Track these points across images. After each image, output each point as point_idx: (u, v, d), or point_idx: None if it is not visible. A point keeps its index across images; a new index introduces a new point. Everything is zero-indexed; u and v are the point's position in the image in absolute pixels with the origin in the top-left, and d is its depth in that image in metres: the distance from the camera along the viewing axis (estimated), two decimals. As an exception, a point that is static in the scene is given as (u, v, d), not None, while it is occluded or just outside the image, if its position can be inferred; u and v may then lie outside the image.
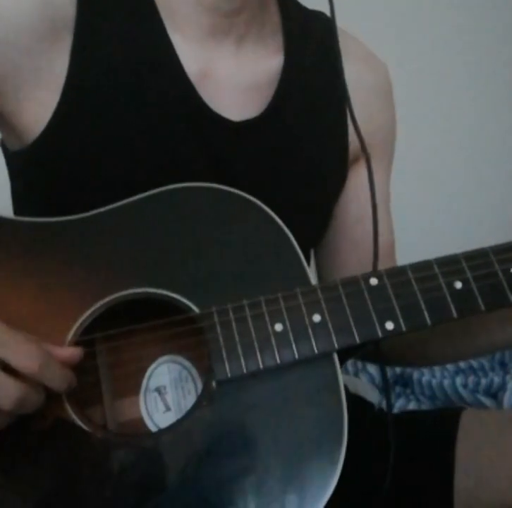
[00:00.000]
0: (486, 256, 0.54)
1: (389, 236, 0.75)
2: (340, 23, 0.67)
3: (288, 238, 0.56)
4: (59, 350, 0.50)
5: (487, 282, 0.53)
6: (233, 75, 0.64)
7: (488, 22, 1.46)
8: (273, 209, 0.57)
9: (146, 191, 0.57)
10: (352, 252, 0.72)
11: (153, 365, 0.58)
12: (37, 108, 0.58)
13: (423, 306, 0.53)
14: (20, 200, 0.68)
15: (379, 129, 0.73)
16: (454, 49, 1.44)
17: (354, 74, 0.69)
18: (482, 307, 0.53)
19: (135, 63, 0.60)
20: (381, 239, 0.67)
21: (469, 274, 0.54)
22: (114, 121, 0.59)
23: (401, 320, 0.52)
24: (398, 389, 1.27)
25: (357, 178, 0.71)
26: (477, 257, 0.54)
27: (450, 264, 0.54)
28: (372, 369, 1.28)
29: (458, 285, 0.53)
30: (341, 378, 0.52)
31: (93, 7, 0.59)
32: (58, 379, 0.48)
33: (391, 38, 1.29)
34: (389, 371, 1.29)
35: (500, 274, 0.54)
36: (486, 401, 1.18)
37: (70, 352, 0.50)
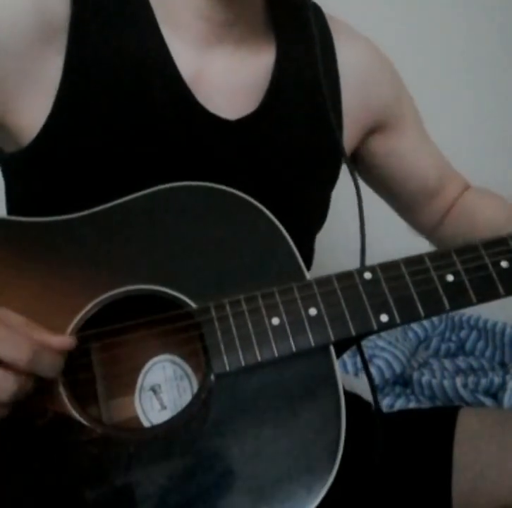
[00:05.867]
0: (476, 250, 0.58)
1: (442, 160, 0.85)
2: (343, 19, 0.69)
3: (282, 234, 0.59)
4: (51, 338, 0.51)
5: (478, 275, 0.57)
6: (228, 75, 0.66)
7: (488, 21, 1.48)
8: (272, 203, 0.59)
9: (142, 191, 0.59)
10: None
11: (148, 364, 0.60)
12: (33, 110, 0.59)
13: (416, 299, 0.56)
14: (15, 202, 0.69)
15: (386, 101, 0.76)
16: (454, 48, 1.46)
17: (348, 54, 0.72)
18: (474, 299, 0.56)
19: (130, 65, 0.61)
20: (438, 164, 0.80)
21: (460, 267, 0.57)
22: (109, 123, 0.61)
23: (395, 313, 0.55)
24: (398, 389, 1.28)
25: (395, 142, 0.78)
26: (468, 251, 0.58)
27: (441, 258, 0.57)
28: (372, 369, 1.29)
29: (450, 278, 0.56)
30: (338, 369, 0.54)
31: (87, 8, 0.60)
32: (50, 369, 0.50)
33: (389, 36, 1.28)
34: (389, 371, 1.31)
35: (490, 266, 0.57)
36: (486, 401, 1.19)
37: (61, 341, 0.52)
